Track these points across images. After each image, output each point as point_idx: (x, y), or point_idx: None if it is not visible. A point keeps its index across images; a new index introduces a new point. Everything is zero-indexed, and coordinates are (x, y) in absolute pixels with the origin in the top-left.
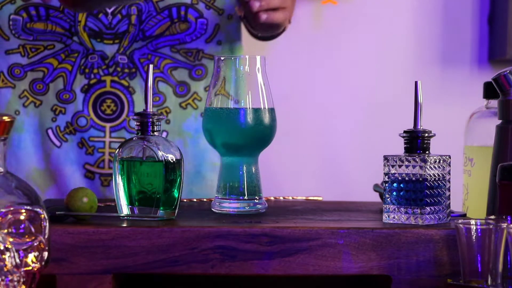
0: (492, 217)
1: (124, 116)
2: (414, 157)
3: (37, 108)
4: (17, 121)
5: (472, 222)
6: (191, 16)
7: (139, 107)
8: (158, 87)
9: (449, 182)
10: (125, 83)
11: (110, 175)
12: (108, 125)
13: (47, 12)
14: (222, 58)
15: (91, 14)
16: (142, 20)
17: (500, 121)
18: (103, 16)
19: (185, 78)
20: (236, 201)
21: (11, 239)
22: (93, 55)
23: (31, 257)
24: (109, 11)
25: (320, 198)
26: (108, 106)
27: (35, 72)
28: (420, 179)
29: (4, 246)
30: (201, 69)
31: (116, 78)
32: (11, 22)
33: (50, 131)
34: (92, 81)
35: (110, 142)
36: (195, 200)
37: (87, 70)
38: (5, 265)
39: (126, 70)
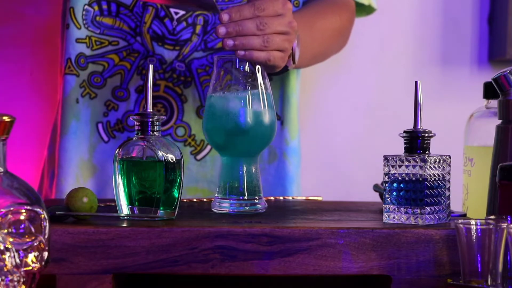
0: (492, 217)
1: (172, 123)
2: (414, 157)
3: (91, 100)
4: (75, 110)
5: (472, 222)
6: None
7: (188, 117)
8: (224, 82)
9: (449, 182)
10: (179, 91)
11: None
12: None
13: (117, 8)
14: (222, 58)
15: (157, 17)
16: (206, 31)
17: (500, 121)
18: (168, 21)
19: (244, 67)
20: (236, 201)
21: (11, 239)
22: (152, 58)
23: (31, 257)
24: (175, 16)
25: (320, 198)
26: (158, 111)
27: (95, 65)
28: (420, 179)
29: (4, 246)
30: None
31: (170, 84)
32: (84, 12)
33: (100, 125)
34: None
35: None
36: (195, 200)
37: (144, 72)
38: (5, 265)
39: (182, 78)
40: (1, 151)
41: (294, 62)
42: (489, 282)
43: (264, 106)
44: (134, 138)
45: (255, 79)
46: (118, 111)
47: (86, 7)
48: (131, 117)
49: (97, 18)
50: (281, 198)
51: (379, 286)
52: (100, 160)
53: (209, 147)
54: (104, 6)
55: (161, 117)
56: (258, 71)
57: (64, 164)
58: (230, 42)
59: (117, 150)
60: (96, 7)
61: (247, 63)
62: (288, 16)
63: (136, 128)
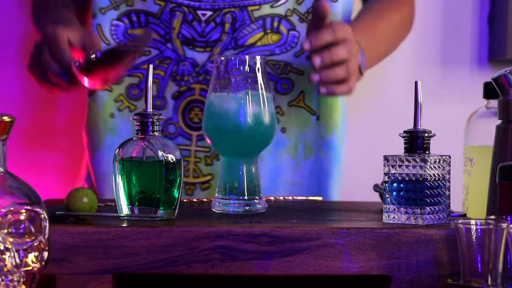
0: (492, 217)
1: None
2: (414, 157)
3: (132, 113)
4: (111, 124)
5: (472, 222)
6: (284, 28)
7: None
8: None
9: (449, 182)
10: None
11: (194, 184)
12: (194, 133)
13: (146, 18)
14: (222, 58)
15: (185, 21)
16: (235, 28)
17: (500, 121)
18: (197, 24)
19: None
20: (236, 201)
21: (11, 239)
22: (184, 62)
23: (31, 257)
24: (203, 18)
25: (320, 198)
26: (196, 114)
27: (131, 78)
28: (420, 179)
29: (4, 246)
30: (287, 83)
31: (205, 87)
32: (112, 28)
33: None
34: (182, 88)
35: (196, 151)
36: (195, 200)
37: (178, 77)
38: (5, 265)
39: None
40: (1, 151)
41: (362, 75)
42: (489, 282)
43: (264, 106)
44: (134, 138)
45: (256, 79)
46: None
47: (114, 22)
48: (131, 117)
49: (128, 31)
50: (281, 198)
51: (379, 286)
52: None
53: None
54: (134, 18)
55: (161, 117)
56: (258, 71)
57: (101, 178)
58: (316, 77)
59: (117, 150)
60: (126, 21)
61: (247, 63)
62: (352, 37)
63: (136, 128)
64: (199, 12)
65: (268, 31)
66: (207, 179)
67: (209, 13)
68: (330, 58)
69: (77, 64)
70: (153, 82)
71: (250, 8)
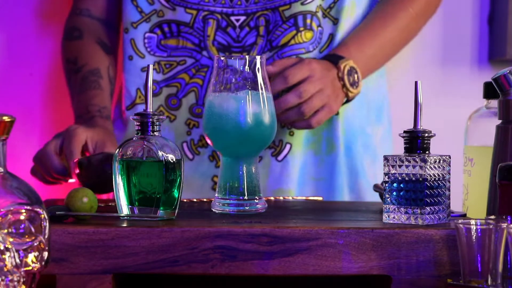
0: (492, 217)
1: None
2: (414, 157)
3: (172, 123)
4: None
5: (472, 222)
6: (315, 24)
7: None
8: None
9: (449, 182)
10: None
11: None
12: None
13: (178, 28)
14: (221, 58)
15: (219, 28)
16: (269, 31)
17: (500, 121)
18: (231, 30)
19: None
20: (236, 201)
21: (11, 239)
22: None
23: (31, 257)
24: (237, 24)
25: (320, 198)
26: None
27: (169, 88)
28: (420, 179)
29: (4, 246)
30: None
31: None
32: (146, 40)
33: (184, 145)
34: None
35: None
36: (195, 200)
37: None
38: (5, 265)
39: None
40: (1, 151)
41: (348, 98)
42: (489, 282)
43: (264, 106)
44: (134, 138)
45: (256, 79)
46: (199, 127)
47: (147, 34)
48: (131, 117)
49: (162, 42)
50: (281, 198)
51: (379, 286)
52: (187, 177)
53: (288, 146)
54: (166, 29)
55: (161, 117)
56: (258, 71)
57: None
58: (294, 114)
59: (117, 150)
60: (159, 32)
61: (247, 63)
62: (315, 74)
63: (136, 128)
64: (233, 18)
65: (301, 29)
66: None
67: (242, 18)
68: (279, 106)
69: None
70: (191, 90)
71: (281, 9)
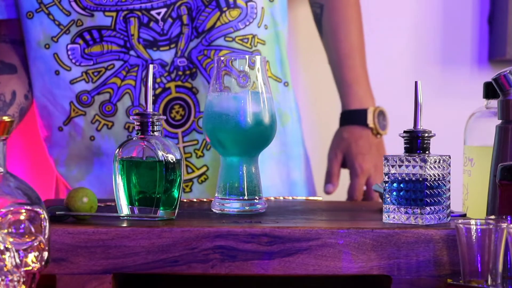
0: (492, 217)
1: (192, 118)
2: (414, 157)
3: (110, 130)
4: (94, 146)
5: (472, 222)
6: (241, 1)
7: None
8: (224, 80)
9: (449, 182)
10: (189, 85)
11: (190, 180)
12: (179, 130)
13: (100, 33)
14: (222, 58)
15: (142, 25)
16: (193, 18)
17: (500, 121)
18: (155, 24)
19: (244, 67)
20: (236, 201)
21: (11, 239)
22: (152, 66)
23: (31, 257)
24: (159, 17)
25: (320, 198)
26: (177, 112)
27: (102, 95)
28: (420, 179)
29: (4, 246)
30: (258, 56)
31: (179, 83)
32: (69, 52)
33: None
34: (158, 91)
35: (184, 147)
36: (195, 200)
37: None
38: (5, 265)
39: (187, 72)
40: (1, 151)
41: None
42: (489, 282)
43: (264, 106)
44: (134, 138)
45: (256, 79)
46: None
47: (70, 46)
48: (130, 117)
49: (86, 51)
50: (281, 198)
51: (379, 286)
52: None
53: None
54: (87, 37)
55: (161, 117)
56: (259, 71)
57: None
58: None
59: (117, 150)
60: (81, 41)
61: (247, 63)
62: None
63: (136, 128)
64: (153, 12)
65: (224, 9)
66: (203, 171)
67: (163, 10)
68: (358, 192)
69: None
70: (125, 93)
71: None
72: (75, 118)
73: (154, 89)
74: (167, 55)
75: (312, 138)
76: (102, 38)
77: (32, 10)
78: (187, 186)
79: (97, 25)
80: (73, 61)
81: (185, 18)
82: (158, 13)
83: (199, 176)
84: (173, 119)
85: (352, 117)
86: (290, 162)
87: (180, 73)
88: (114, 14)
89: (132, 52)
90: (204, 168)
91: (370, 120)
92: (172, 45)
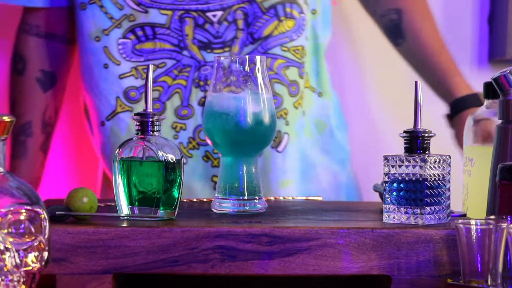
0: (492, 217)
1: None
2: (414, 157)
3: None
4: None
5: (472, 222)
6: (296, 12)
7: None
8: (275, 89)
9: (449, 182)
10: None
11: None
12: None
13: (153, 30)
14: (222, 58)
15: (197, 26)
16: (249, 23)
17: (500, 121)
18: (210, 26)
19: (295, 78)
20: (236, 201)
21: (11, 239)
22: (205, 67)
23: (31, 257)
24: (215, 19)
25: (320, 198)
26: None
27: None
28: (420, 179)
29: (4, 246)
30: (304, 67)
31: (232, 88)
32: (120, 46)
33: None
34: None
35: None
36: (195, 200)
37: (201, 83)
38: (5, 265)
39: (241, 77)
40: (1, 151)
41: None
42: (489, 282)
43: (264, 106)
44: (134, 138)
45: (256, 79)
46: (187, 129)
47: (120, 40)
48: (130, 117)
49: (137, 46)
50: (281, 198)
51: (379, 286)
52: (185, 181)
53: (286, 137)
54: (140, 33)
55: (161, 117)
56: (259, 71)
57: None
58: None
59: (117, 150)
60: (132, 37)
61: (247, 63)
62: None
63: (136, 128)
64: (209, 14)
65: (282, 18)
66: None
67: (219, 13)
68: None
69: None
70: (175, 92)
71: (259, 0)
72: (121, 113)
73: (205, 91)
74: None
75: (356, 142)
76: (155, 36)
77: (85, 1)
78: None
79: (150, 22)
80: (123, 55)
81: (240, 23)
82: (214, 16)
83: None
84: None
85: (466, 103)
86: (335, 166)
87: (232, 77)
88: (169, 13)
89: (185, 52)
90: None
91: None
92: (226, 49)
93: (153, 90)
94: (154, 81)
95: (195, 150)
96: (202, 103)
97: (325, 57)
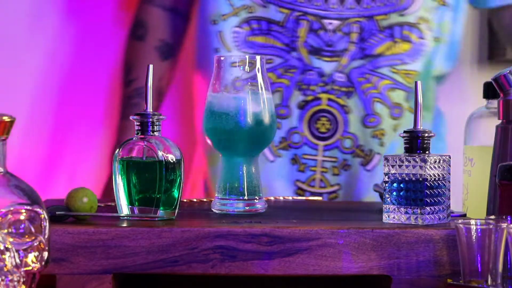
0: (492, 217)
1: (337, 135)
2: (414, 157)
3: None
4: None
5: (472, 222)
6: (414, 36)
7: (354, 127)
8: (375, 107)
9: (449, 182)
10: (342, 102)
11: (320, 194)
12: (321, 143)
13: (268, 26)
14: (222, 58)
15: (311, 30)
16: (362, 38)
17: (500, 121)
18: (324, 33)
19: (400, 101)
20: (236, 201)
21: (11, 239)
22: (310, 72)
23: (31, 257)
24: (330, 28)
25: (320, 198)
26: (323, 124)
27: (253, 87)
28: (420, 179)
29: (4, 246)
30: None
31: (332, 96)
32: (234, 34)
33: None
34: (309, 98)
35: (323, 161)
36: (195, 200)
37: (304, 87)
38: (5, 265)
39: (344, 89)
40: (1, 151)
41: None
42: (489, 282)
43: (264, 106)
44: (134, 138)
45: (256, 79)
46: (281, 129)
47: (235, 29)
48: (131, 117)
49: (248, 38)
50: (281, 198)
51: (379, 286)
52: (267, 179)
53: (377, 156)
54: (255, 25)
55: (161, 117)
56: (259, 71)
57: None
58: None
59: (117, 150)
60: (246, 28)
61: (247, 63)
62: None
63: (136, 128)
64: (326, 21)
65: (397, 40)
66: (335, 189)
67: (336, 22)
68: None
69: None
70: (277, 90)
71: (377, 18)
72: None
73: (306, 95)
74: (327, 66)
75: None
76: (269, 31)
77: None
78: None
79: (267, 17)
80: (236, 44)
81: (354, 36)
82: (330, 23)
83: (330, 193)
84: (317, 130)
85: None
86: None
87: (336, 87)
88: (287, 11)
89: (294, 54)
90: (337, 187)
91: None
92: (335, 58)
93: (256, 86)
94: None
95: (285, 151)
96: (300, 107)
97: (436, 86)
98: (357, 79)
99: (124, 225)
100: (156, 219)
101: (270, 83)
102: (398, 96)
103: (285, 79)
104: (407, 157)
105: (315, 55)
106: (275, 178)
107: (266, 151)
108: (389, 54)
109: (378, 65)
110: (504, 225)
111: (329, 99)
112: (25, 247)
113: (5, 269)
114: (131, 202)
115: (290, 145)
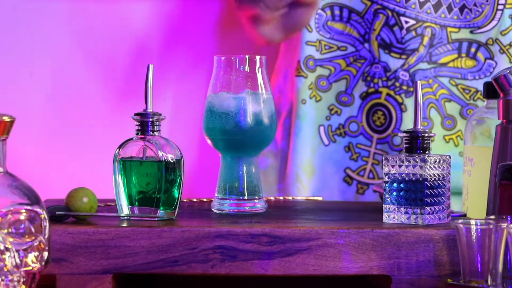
0: (492, 217)
1: (390, 131)
2: (414, 157)
3: (316, 103)
4: (301, 111)
5: (472, 222)
6: (481, 55)
7: (406, 126)
8: (429, 113)
9: (449, 182)
10: (399, 99)
11: (367, 184)
12: (375, 136)
13: (349, 14)
14: (222, 58)
15: (386, 24)
16: (432, 44)
17: (500, 121)
18: (397, 30)
19: (454, 113)
20: (236, 201)
21: (11, 239)
22: (377, 65)
23: (31, 257)
24: (405, 26)
25: (320, 198)
26: (378, 118)
27: (323, 69)
28: (420, 179)
29: (4, 246)
30: (472, 109)
31: (392, 92)
32: (316, 16)
33: (321, 128)
34: (370, 90)
35: (374, 153)
36: (195, 200)
37: (368, 78)
38: (5, 265)
39: (404, 87)
40: (1, 151)
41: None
42: (489, 282)
43: (264, 106)
44: (134, 138)
45: (256, 79)
46: (340, 115)
47: (318, 11)
48: (131, 117)
49: (328, 23)
50: (281, 198)
51: (379, 286)
52: (319, 162)
53: None
54: (336, 12)
55: (161, 117)
56: (259, 71)
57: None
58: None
59: (117, 150)
60: (328, 12)
61: (247, 63)
62: None
63: (136, 128)
64: (402, 19)
65: (463, 55)
66: (380, 182)
67: (412, 22)
68: None
69: None
70: (344, 78)
71: (449, 29)
72: (297, 77)
73: (368, 87)
74: (393, 62)
75: None
76: (349, 20)
77: None
78: (361, 188)
79: (351, 6)
80: (316, 25)
81: (426, 40)
82: (406, 22)
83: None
84: (373, 122)
85: None
86: None
87: (397, 84)
88: (369, 3)
89: (366, 45)
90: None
91: None
92: (403, 56)
93: (325, 68)
94: (330, 61)
95: (341, 138)
96: (362, 97)
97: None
98: (420, 81)
99: (124, 225)
100: (156, 219)
101: (339, 70)
102: (452, 108)
103: (353, 68)
104: (407, 157)
105: (384, 50)
106: (326, 163)
107: (322, 134)
108: (451, 66)
109: (440, 73)
110: (504, 225)
111: (388, 94)
112: (25, 247)
113: (5, 269)
114: (131, 202)
115: (347, 132)
